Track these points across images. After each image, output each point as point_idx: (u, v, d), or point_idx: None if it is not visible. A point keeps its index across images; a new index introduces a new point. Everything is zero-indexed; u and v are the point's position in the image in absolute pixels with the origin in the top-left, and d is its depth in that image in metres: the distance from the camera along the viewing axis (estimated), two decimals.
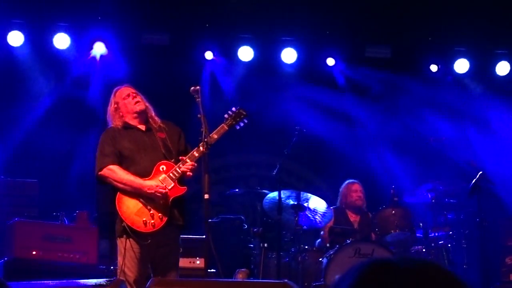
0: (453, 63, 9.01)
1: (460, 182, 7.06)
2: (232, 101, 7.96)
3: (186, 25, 8.56)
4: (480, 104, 8.86)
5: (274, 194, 6.70)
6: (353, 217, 7.40)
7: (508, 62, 8.98)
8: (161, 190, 4.70)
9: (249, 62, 8.80)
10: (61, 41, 8.25)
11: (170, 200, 4.76)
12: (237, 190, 7.89)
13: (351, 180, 7.53)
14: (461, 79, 9.14)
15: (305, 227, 6.89)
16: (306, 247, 7.05)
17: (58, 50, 8.30)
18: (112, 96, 5.09)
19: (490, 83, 9.09)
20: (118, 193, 4.74)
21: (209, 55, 8.67)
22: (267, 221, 7.26)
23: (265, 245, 7.01)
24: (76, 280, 4.23)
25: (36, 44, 8.31)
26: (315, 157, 9.17)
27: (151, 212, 4.70)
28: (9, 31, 8.13)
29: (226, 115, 5.00)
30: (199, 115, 4.78)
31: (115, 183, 4.74)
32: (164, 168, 4.81)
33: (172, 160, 4.85)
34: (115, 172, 4.75)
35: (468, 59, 8.98)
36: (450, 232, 7.11)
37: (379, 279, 1.19)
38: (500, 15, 8.35)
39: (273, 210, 6.71)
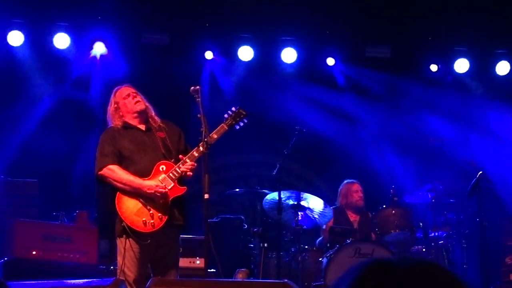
0: (453, 63, 9.01)
1: (460, 182, 7.06)
2: (232, 101, 7.96)
3: (186, 25, 8.56)
4: (480, 103, 8.86)
5: (274, 195, 6.70)
6: (352, 217, 7.41)
7: (508, 62, 8.98)
8: (160, 190, 4.69)
9: (249, 62, 8.79)
10: (61, 41, 8.25)
11: (170, 200, 4.76)
12: (237, 190, 7.89)
13: (350, 180, 7.52)
14: (461, 79, 9.14)
15: (305, 226, 6.90)
16: (306, 247, 7.06)
17: (58, 50, 8.29)
18: (112, 95, 5.09)
19: (490, 83, 9.10)
20: (118, 193, 4.73)
21: (209, 55, 8.67)
22: (267, 221, 7.26)
23: (265, 245, 7.01)
24: (76, 280, 4.23)
25: (36, 44, 8.31)
26: (315, 157, 9.17)
27: (150, 212, 4.70)
28: (9, 30, 8.13)
29: (226, 115, 5.00)
30: (199, 115, 4.78)
31: (115, 183, 4.74)
32: (164, 168, 4.81)
33: (172, 160, 4.85)
34: (115, 172, 4.75)
35: (468, 59, 8.98)
36: (450, 232, 7.11)
37: (379, 279, 1.19)
38: (500, 15, 8.35)
39: (273, 210, 6.71)
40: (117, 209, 4.70)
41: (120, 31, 8.39)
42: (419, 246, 7.08)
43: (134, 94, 5.04)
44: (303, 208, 6.81)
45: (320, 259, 6.73)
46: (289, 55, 8.78)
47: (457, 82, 9.12)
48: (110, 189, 4.81)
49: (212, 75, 8.81)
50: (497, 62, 9.00)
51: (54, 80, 8.44)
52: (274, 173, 6.69)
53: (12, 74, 8.36)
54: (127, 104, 5.00)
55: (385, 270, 1.21)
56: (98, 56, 8.42)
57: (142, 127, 5.00)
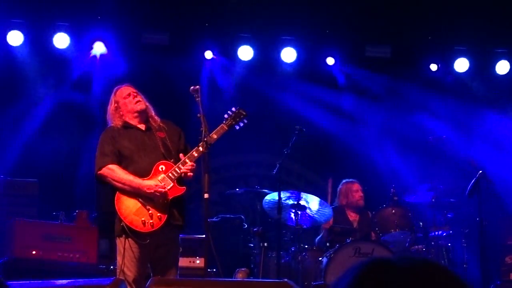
0: (453, 62, 9.01)
1: (460, 182, 7.06)
2: (232, 100, 7.96)
3: (186, 24, 8.56)
4: (480, 103, 8.86)
5: (274, 194, 6.70)
6: (352, 216, 7.41)
7: (508, 61, 8.98)
8: (160, 189, 4.69)
9: (249, 61, 8.79)
10: (61, 40, 8.25)
11: (169, 200, 4.76)
12: (237, 189, 7.89)
13: (349, 180, 7.52)
14: (461, 78, 9.14)
15: (305, 226, 6.90)
16: (306, 246, 7.06)
17: (58, 50, 8.30)
18: (113, 95, 5.08)
19: (490, 82, 9.10)
20: (117, 192, 4.73)
21: (208, 54, 8.67)
22: (267, 220, 7.27)
23: (265, 244, 7.01)
24: (76, 280, 4.23)
25: (36, 44, 8.31)
26: (315, 157, 9.17)
27: (150, 212, 4.70)
28: (9, 30, 8.13)
29: (225, 115, 4.99)
30: (198, 115, 4.78)
31: (114, 182, 4.74)
32: (163, 168, 4.80)
33: (172, 160, 4.84)
34: (115, 172, 4.75)
35: (468, 58, 8.98)
36: (450, 231, 7.10)
37: (379, 279, 1.19)
38: (500, 14, 8.35)
39: (273, 210, 6.71)
40: (117, 208, 4.69)
41: (120, 31, 8.39)
42: (419, 246, 7.07)
43: (135, 94, 5.03)
44: (303, 208, 6.80)
45: (320, 258, 6.73)
46: (289, 54, 8.78)
47: (457, 81, 9.13)
48: (110, 189, 4.81)
49: (212, 74, 8.81)
50: (497, 62, 9.01)
51: (54, 80, 8.44)
52: (274, 172, 6.69)
53: (12, 74, 8.36)
54: (128, 104, 4.99)
55: (385, 269, 1.21)
56: (98, 56, 8.43)
57: (142, 126, 4.99)
